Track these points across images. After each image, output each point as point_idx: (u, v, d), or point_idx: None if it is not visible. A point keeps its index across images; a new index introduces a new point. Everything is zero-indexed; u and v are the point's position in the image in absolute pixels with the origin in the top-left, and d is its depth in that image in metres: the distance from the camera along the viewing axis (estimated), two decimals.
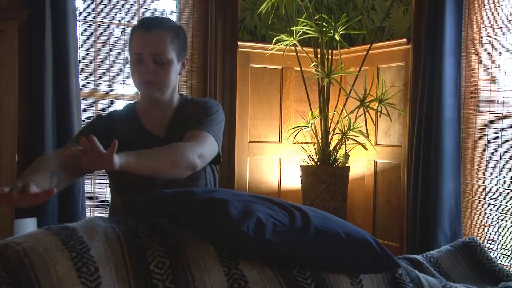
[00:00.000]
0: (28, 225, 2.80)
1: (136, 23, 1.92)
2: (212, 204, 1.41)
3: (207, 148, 1.76)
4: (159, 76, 1.77)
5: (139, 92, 1.99)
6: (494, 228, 2.99)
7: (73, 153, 1.47)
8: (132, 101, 2.04)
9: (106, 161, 1.44)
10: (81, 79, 3.21)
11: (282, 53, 3.43)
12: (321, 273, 1.41)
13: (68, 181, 1.75)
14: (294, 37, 3.40)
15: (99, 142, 1.47)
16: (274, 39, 3.48)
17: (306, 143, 3.54)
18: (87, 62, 3.32)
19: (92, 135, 1.44)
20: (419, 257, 1.92)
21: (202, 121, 1.81)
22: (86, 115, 3.29)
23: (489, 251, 2.70)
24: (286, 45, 3.42)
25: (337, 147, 3.37)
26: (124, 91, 3.48)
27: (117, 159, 1.46)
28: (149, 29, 1.76)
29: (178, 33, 1.83)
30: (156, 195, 1.57)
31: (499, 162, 2.97)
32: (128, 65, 3.44)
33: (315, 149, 3.43)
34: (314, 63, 3.38)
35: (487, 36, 3.02)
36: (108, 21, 3.37)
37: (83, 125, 3.14)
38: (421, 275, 1.64)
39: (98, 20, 3.35)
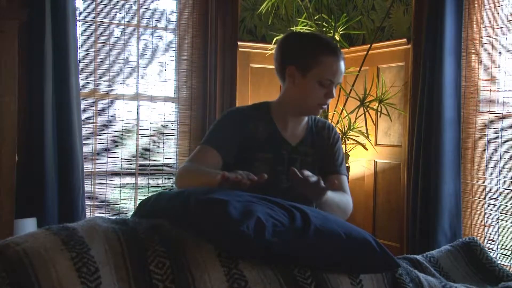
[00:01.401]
0: (28, 225, 2.80)
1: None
2: (212, 204, 1.41)
3: None
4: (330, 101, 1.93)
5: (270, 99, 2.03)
6: (494, 228, 2.99)
7: (231, 179, 1.58)
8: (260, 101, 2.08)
9: (319, 192, 1.71)
10: (81, 79, 3.21)
11: None
12: (321, 273, 1.41)
13: None
14: None
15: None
16: (274, 39, 3.47)
17: None
18: (87, 62, 3.32)
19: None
20: (419, 257, 1.92)
21: (343, 165, 2.05)
22: (86, 115, 3.29)
23: (489, 251, 2.70)
24: None
25: None
26: (124, 91, 3.48)
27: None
28: (341, 58, 1.90)
29: None
30: (156, 195, 1.57)
31: (499, 162, 2.97)
32: (128, 65, 3.46)
33: None
34: None
35: (487, 36, 3.02)
36: (108, 21, 3.37)
37: (83, 125, 3.15)
38: (421, 275, 1.64)
39: (98, 20, 3.35)
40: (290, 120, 1.95)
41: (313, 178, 1.69)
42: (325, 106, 1.93)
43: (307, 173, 1.69)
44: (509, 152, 2.94)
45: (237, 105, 3.56)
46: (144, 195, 3.45)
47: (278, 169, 1.90)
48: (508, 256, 2.92)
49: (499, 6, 2.97)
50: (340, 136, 2.16)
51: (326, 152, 2.02)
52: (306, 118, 2.01)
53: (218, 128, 1.93)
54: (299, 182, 1.68)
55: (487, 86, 3.03)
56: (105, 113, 3.39)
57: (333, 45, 1.92)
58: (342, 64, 1.91)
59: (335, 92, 1.91)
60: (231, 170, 1.78)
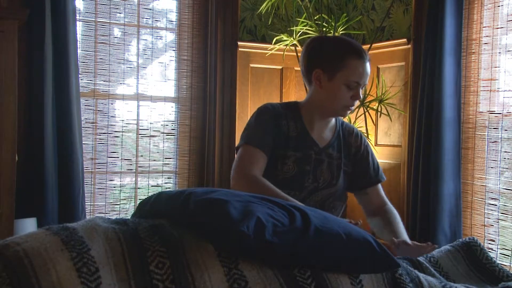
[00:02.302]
0: (28, 225, 2.80)
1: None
2: (211, 204, 1.41)
3: None
4: (357, 102, 1.99)
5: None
6: (494, 228, 2.99)
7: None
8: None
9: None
10: (81, 79, 3.21)
11: (282, 53, 3.43)
12: (321, 273, 1.41)
13: None
14: (294, 37, 3.40)
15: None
16: (274, 39, 3.48)
17: None
18: (87, 62, 3.32)
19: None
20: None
21: (380, 169, 2.12)
22: (86, 115, 3.29)
23: (489, 251, 2.70)
24: (286, 45, 3.42)
25: None
26: (124, 91, 3.48)
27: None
28: (366, 60, 1.93)
29: None
30: (156, 195, 1.57)
31: (499, 162, 2.97)
32: (128, 65, 3.46)
33: None
34: None
35: (487, 36, 3.02)
36: (108, 21, 3.38)
37: (83, 125, 3.15)
38: (421, 275, 1.64)
39: (98, 20, 3.35)
40: (318, 122, 1.99)
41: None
42: (352, 108, 1.96)
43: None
44: (509, 152, 2.94)
45: (237, 106, 3.57)
46: (144, 195, 3.45)
47: (306, 168, 1.92)
48: (508, 256, 2.92)
49: (499, 6, 2.97)
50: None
51: (360, 162, 2.07)
52: (333, 122, 2.04)
53: (258, 125, 1.96)
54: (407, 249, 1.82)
55: (487, 86, 3.03)
56: (105, 113, 3.39)
57: (359, 47, 1.94)
58: (368, 66, 1.94)
59: (362, 93, 1.95)
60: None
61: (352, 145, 2.07)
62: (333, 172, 1.97)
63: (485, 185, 3.04)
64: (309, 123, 1.98)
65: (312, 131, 1.98)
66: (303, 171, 1.92)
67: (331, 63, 1.90)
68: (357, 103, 1.98)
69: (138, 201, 3.16)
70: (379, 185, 2.12)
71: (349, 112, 1.99)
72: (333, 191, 1.98)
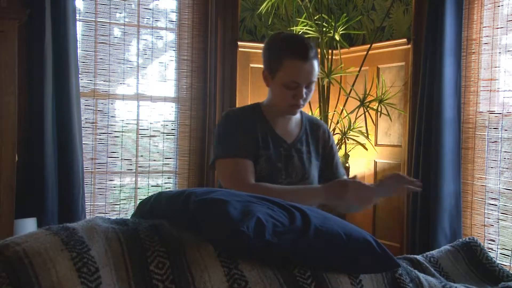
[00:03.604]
0: (28, 225, 2.80)
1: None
2: (211, 204, 1.41)
3: None
4: (306, 100, 1.94)
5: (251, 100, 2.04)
6: (494, 228, 2.99)
7: None
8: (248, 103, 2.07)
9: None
10: (81, 79, 3.21)
11: None
12: (321, 273, 1.41)
13: None
14: None
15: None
16: None
17: None
18: (87, 62, 3.32)
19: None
20: (419, 257, 1.92)
21: (340, 167, 2.15)
22: (86, 115, 3.29)
23: (489, 251, 2.70)
24: None
25: (337, 147, 3.37)
26: (124, 91, 3.48)
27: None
28: (306, 59, 1.86)
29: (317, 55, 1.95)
30: (156, 195, 1.57)
31: (499, 162, 2.97)
32: (128, 65, 3.46)
33: None
34: None
35: (487, 36, 3.02)
36: (108, 21, 3.38)
37: (83, 125, 3.15)
38: (421, 275, 1.64)
39: (98, 20, 3.35)
40: (280, 119, 2.00)
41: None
42: (299, 106, 1.95)
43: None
44: (509, 152, 2.94)
45: (237, 105, 3.57)
46: (144, 195, 3.45)
47: (278, 166, 1.94)
48: (508, 256, 2.92)
49: (499, 6, 2.97)
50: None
51: (327, 154, 2.09)
52: (298, 117, 2.06)
53: (231, 134, 1.95)
54: (356, 186, 1.80)
55: (487, 86, 3.03)
56: (105, 113, 3.39)
57: (300, 47, 1.90)
58: (309, 65, 1.88)
59: (308, 92, 1.92)
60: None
61: (320, 139, 2.09)
62: (305, 166, 1.99)
63: (485, 185, 3.04)
64: (273, 122, 2.00)
65: (277, 128, 1.99)
66: (276, 168, 1.94)
67: (272, 63, 1.92)
68: (307, 101, 1.96)
69: (138, 201, 3.16)
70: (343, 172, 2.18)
71: (298, 110, 1.99)
72: (307, 184, 1.99)
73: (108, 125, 3.39)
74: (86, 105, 3.31)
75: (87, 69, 3.33)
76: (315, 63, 1.90)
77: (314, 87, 1.95)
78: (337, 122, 3.39)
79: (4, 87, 2.59)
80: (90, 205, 3.32)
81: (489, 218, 3.02)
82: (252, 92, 3.64)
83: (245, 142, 1.93)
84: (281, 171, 1.95)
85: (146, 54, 3.53)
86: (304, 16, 3.39)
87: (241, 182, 1.88)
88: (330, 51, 3.39)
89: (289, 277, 1.37)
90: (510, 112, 2.95)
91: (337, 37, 3.40)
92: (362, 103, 3.28)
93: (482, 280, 1.92)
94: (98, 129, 3.36)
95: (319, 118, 3.40)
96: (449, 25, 3.01)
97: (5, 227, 2.56)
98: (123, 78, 3.46)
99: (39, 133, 2.92)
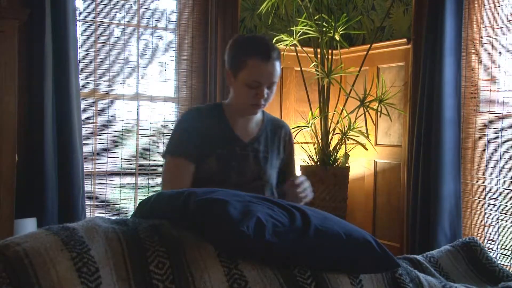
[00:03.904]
0: (28, 225, 2.80)
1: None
2: (211, 204, 1.42)
3: None
4: (267, 100, 1.96)
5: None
6: (494, 228, 2.99)
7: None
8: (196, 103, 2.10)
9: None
10: (81, 79, 3.21)
11: (282, 53, 3.43)
12: (321, 273, 1.41)
13: None
14: (294, 37, 3.40)
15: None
16: (274, 39, 3.47)
17: (306, 143, 3.54)
18: (87, 62, 3.32)
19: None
20: (419, 257, 1.92)
21: (295, 169, 2.22)
22: (86, 115, 3.29)
23: (489, 251, 2.70)
24: (286, 45, 3.42)
25: (337, 147, 3.37)
26: (124, 91, 3.48)
27: None
28: (269, 59, 1.90)
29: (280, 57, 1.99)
30: (156, 195, 1.57)
31: (499, 162, 2.97)
32: (128, 65, 3.46)
33: (315, 149, 3.43)
34: (314, 63, 3.38)
35: (487, 36, 3.03)
36: (108, 21, 3.37)
37: (83, 125, 3.15)
38: (421, 275, 1.64)
39: (98, 20, 3.35)
40: (240, 118, 2.03)
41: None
42: (260, 106, 1.97)
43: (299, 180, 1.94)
44: (509, 152, 2.94)
45: None
46: (144, 195, 3.45)
47: (231, 164, 1.98)
48: (508, 256, 2.92)
49: (499, 6, 2.97)
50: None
51: (286, 156, 2.15)
52: (259, 117, 2.09)
53: (182, 134, 2.01)
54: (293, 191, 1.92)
55: (487, 86, 3.03)
56: (105, 113, 3.39)
57: (263, 48, 1.94)
58: (271, 66, 1.92)
59: (270, 92, 1.95)
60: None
61: (281, 139, 2.13)
62: (261, 166, 2.02)
63: (485, 185, 3.04)
64: (232, 121, 2.03)
65: (235, 127, 2.03)
66: (228, 167, 1.97)
67: (236, 62, 1.95)
68: (268, 101, 1.98)
69: (138, 201, 3.16)
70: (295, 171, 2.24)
71: (258, 110, 2.01)
72: (263, 183, 2.02)
73: (108, 125, 3.39)
74: (86, 105, 3.31)
75: (87, 69, 3.32)
76: (277, 64, 1.93)
77: (275, 88, 1.98)
78: (337, 122, 3.39)
79: (4, 87, 2.59)
80: (90, 205, 3.32)
81: (489, 218, 3.02)
82: None
83: (191, 144, 1.96)
84: (234, 170, 1.98)
85: (146, 54, 3.53)
86: (304, 16, 3.39)
87: (170, 185, 1.93)
88: (330, 51, 3.39)
89: (289, 277, 1.37)
90: (510, 112, 2.95)
91: (337, 37, 3.40)
92: (362, 103, 3.28)
93: (482, 280, 1.92)
94: (98, 129, 3.36)
95: (319, 118, 3.40)
96: (449, 25, 3.01)
97: (5, 227, 2.56)
98: (123, 78, 3.46)
99: (39, 133, 2.92)
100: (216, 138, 1.99)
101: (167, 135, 3.58)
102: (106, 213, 3.39)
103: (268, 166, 2.04)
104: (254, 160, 2.01)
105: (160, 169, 3.57)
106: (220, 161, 1.96)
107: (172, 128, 2.07)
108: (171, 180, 1.96)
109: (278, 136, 2.12)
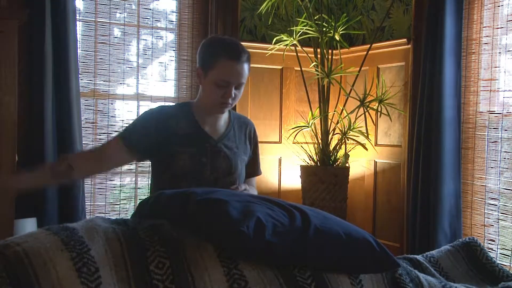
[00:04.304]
0: (28, 225, 2.80)
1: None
2: (211, 204, 1.42)
3: None
4: (235, 99, 2.03)
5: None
6: (494, 228, 2.99)
7: None
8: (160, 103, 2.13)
9: None
10: (81, 79, 3.21)
11: (282, 53, 3.43)
12: (321, 273, 1.41)
13: None
14: (294, 37, 3.40)
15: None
16: (274, 39, 3.48)
17: (306, 143, 3.54)
18: (87, 62, 3.32)
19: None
20: (419, 257, 1.92)
21: (259, 166, 2.28)
22: (86, 115, 3.29)
23: (489, 251, 2.70)
24: (286, 45, 3.42)
25: (337, 147, 3.37)
26: (124, 91, 3.48)
27: None
28: (239, 61, 1.97)
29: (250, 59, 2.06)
30: (156, 195, 1.57)
31: (499, 162, 2.97)
32: (128, 65, 3.46)
33: (315, 149, 3.43)
34: (314, 63, 3.38)
35: (487, 36, 3.03)
36: (108, 21, 3.37)
37: (83, 125, 3.15)
38: (421, 275, 1.64)
39: (98, 20, 3.35)
40: (208, 117, 2.09)
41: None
42: (228, 105, 2.03)
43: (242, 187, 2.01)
44: (509, 152, 2.94)
45: (237, 105, 3.56)
46: (144, 195, 3.44)
47: (202, 161, 2.01)
48: (508, 256, 2.92)
49: (499, 6, 2.97)
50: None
51: (252, 152, 2.21)
52: (226, 115, 2.15)
53: (137, 123, 2.07)
54: None
55: (487, 86, 3.03)
56: (105, 113, 3.39)
57: (233, 48, 2.01)
58: (240, 67, 1.98)
59: (237, 93, 2.02)
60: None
61: (247, 136, 2.20)
62: (231, 161, 2.07)
63: (485, 185, 3.04)
64: (201, 119, 2.08)
65: (204, 125, 2.08)
66: (200, 163, 2.01)
67: (207, 62, 2.01)
68: (235, 100, 2.06)
69: (138, 201, 3.16)
70: (255, 178, 2.29)
71: (226, 109, 2.07)
72: (234, 179, 2.08)
73: (108, 125, 3.39)
74: (86, 105, 3.30)
75: (87, 69, 3.32)
76: (246, 67, 2.00)
77: (242, 89, 2.04)
78: (337, 122, 3.39)
79: (4, 87, 2.59)
80: (90, 205, 3.32)
81: (489, 218, 3.02)
82: (252, 92, 3.65)
83: (142, 135, 2.01)
84: (206, 166, 2.02)
85: (146, 54, 3.53)
86: (304, 16, 3.39)
87: (102, 159, 2.01)
88: (330, 51, 3.39)
89: (289, 277, 1.37)
90: (510, 112, 2.95)
91: (337, 37, 3.40)
92: (362, 103, 3.28)
93: (482, 280, 1.92)
94: (98, 129, 3.36)
95: (319, 118, 3.41)
96: (449, 25, 3.01)
97: (5, 227, 2.56)
98: (123, 78, 3.46)
99: (39, 133, 2.91)
100: (186, 136, 2.03)
101: None
102: (106, 213, 3.39)
103: (239, 161, 2.10)
104: (225, 156, 2.06)
105: None
106: (192, 158, 2.00)
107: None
108: (101, 155, 2.03)
109: (245, 133, 2.19)
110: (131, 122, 2.13)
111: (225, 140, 2.10)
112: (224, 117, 2.15)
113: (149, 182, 2.19)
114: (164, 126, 2.03)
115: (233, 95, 2.00)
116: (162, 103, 3.58)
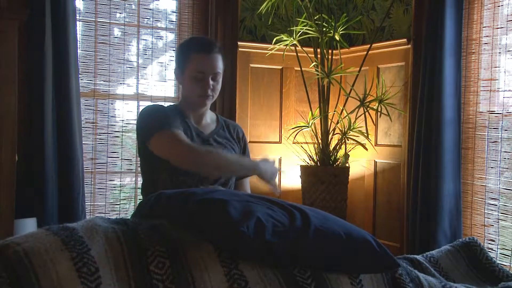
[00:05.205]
0: (28, 225, 2.80)
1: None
2: (211, 204, 1.42)
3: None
4: (214, 91, 2.11)
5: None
6: (494, 228, 2.99)
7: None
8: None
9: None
10: (81, 79, 3.21)
11: (282, 53, 3.43)
12: (321, 273, 1.41)
13: None
14: (294, 37, 3.40)
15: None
16: (274, 39, 3.47)
17: (306, 143, 3.54)
18: (87, 62, 3.32)
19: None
20: (419, 257, 1.92)
21: None
22: (86, 115, 3.29)
23: (489, 251, 2.70)
24: (286, 45, 3.42)
25: (337, 147, 3.37)
26: (124, 91, 3.48)
27: None
28: (210, 52, 2.07)
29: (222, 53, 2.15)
30: (156, 196, 1.57)
31: (499, 162, 2.97)
32: (128, 65, 3.46)
33: (315, 149, 3.43)
34: (314, 63, 3.38)
35: (487, 36, 3.03)
36: (108, 21, 3.37)
37: (83, 125, 3.15)
38: (421, 275, 1.64)
39: (98, 20, 3.35)
40: (194, 114, 2.15)
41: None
42: (208, 97, 2.09)
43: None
44: (509, 152, 2.94)
45: (237, 106, 3.57)
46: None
47: None
48: (508, 256, 2.92)
49: (499, 6, 2.97)
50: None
51: (243, 151, 2.27)
52: (214, 116, 2.24)
53: (162, 115, 2.05)
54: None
55: (487, 86, 3.03)
56: (105, 113, 3.39)
57: (204, 42, 2.14)
58: (213, 58, 2.07)
59: (215, 84, 2.09)
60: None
61: (235, 138, 2.25)
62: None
63: (485, 185, 3.04)
64: (188, 116, 2.14)
65: (194, 122, 2.14)
66: None
67: (181, 60, 2.11)
68: (215, 92, 2.10)
69: (138, 201, 3.16)
70: (248, 179, 2.32)
71: (208, 101, 2.11)
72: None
73: (108, 125, 3.39)
74: (86, 105, 3.30)
75: (87, 69, 3.32)
76: (219, 57, 2.09)
77: (221, 80, 2.12)
78: (337, 122, 3.39)
79: (4, 87, 2.59)
80: (90, 205, 3.32)
81: (489, 218, 3.02)
82: (252, 92, 3.65)
83: (175, 119, 2.04)
84: None
85: (146, 54, 3.53)
86: (304, 16, 3.39)
87: (181, 144, 1.93)
88: (330, 51, 3.39)
89: (289, 277, 1.37)
90: (510, 112, 2.95)
91: (337, 37, 3.40)
92: (362, 103, 3.28)
93: (482, 280, 1.92)
94: (98, 129, 3.36)
95: (319, 118, 3.41)
96: (449, 25, 3.01)
97: (5, 227, 2.56)
98: (123, 78, 3.46)
99: (39, 133, 2.91)
100: (184, 130, 2.06)
101: None
102: (106, 213, 3.39)
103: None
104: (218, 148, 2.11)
105: None
106: None
107: (145, 115, 2.11)
108: (179, 141, 1.93)
109: (233, 135, 2.25)
110: (150, 119, 2.06)
111: (215, 136, 2.16)
112: (212, 117, 2.22)
113: (141, 183, 2.23)
114: (174, 115, 2.08)
115: (211, 86, 2.06)
116: (162, 103, 3.58)
